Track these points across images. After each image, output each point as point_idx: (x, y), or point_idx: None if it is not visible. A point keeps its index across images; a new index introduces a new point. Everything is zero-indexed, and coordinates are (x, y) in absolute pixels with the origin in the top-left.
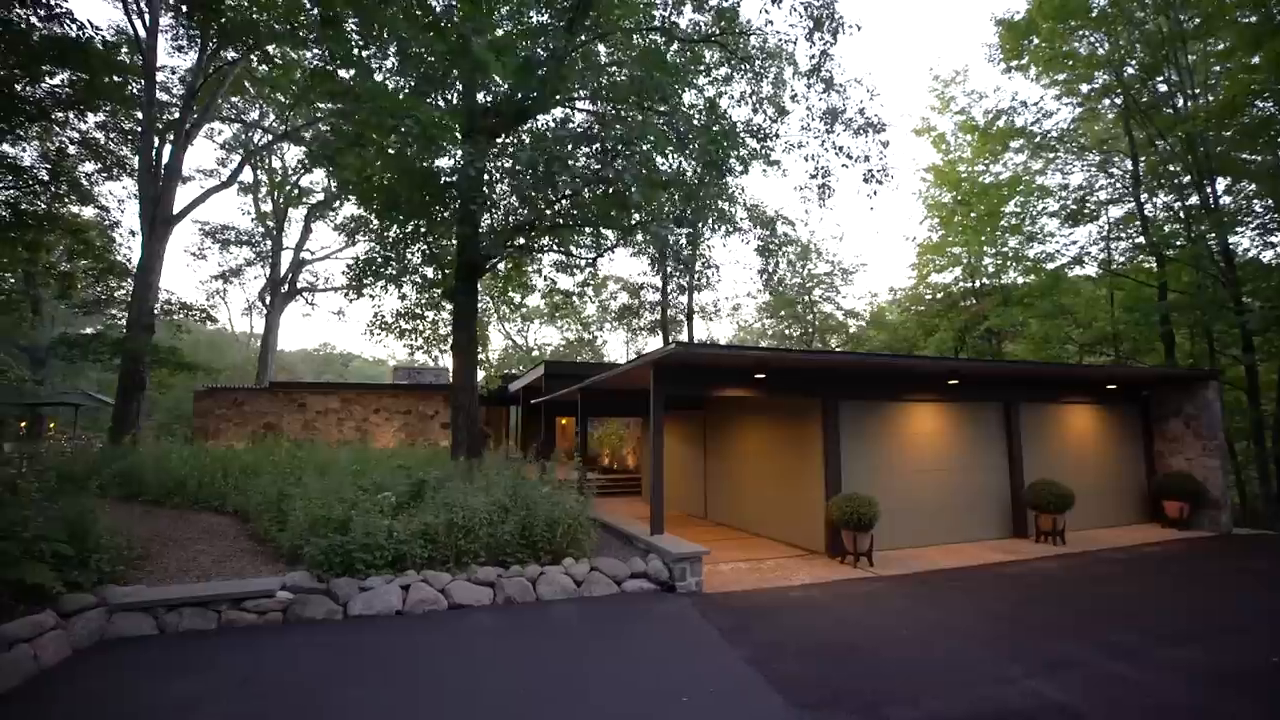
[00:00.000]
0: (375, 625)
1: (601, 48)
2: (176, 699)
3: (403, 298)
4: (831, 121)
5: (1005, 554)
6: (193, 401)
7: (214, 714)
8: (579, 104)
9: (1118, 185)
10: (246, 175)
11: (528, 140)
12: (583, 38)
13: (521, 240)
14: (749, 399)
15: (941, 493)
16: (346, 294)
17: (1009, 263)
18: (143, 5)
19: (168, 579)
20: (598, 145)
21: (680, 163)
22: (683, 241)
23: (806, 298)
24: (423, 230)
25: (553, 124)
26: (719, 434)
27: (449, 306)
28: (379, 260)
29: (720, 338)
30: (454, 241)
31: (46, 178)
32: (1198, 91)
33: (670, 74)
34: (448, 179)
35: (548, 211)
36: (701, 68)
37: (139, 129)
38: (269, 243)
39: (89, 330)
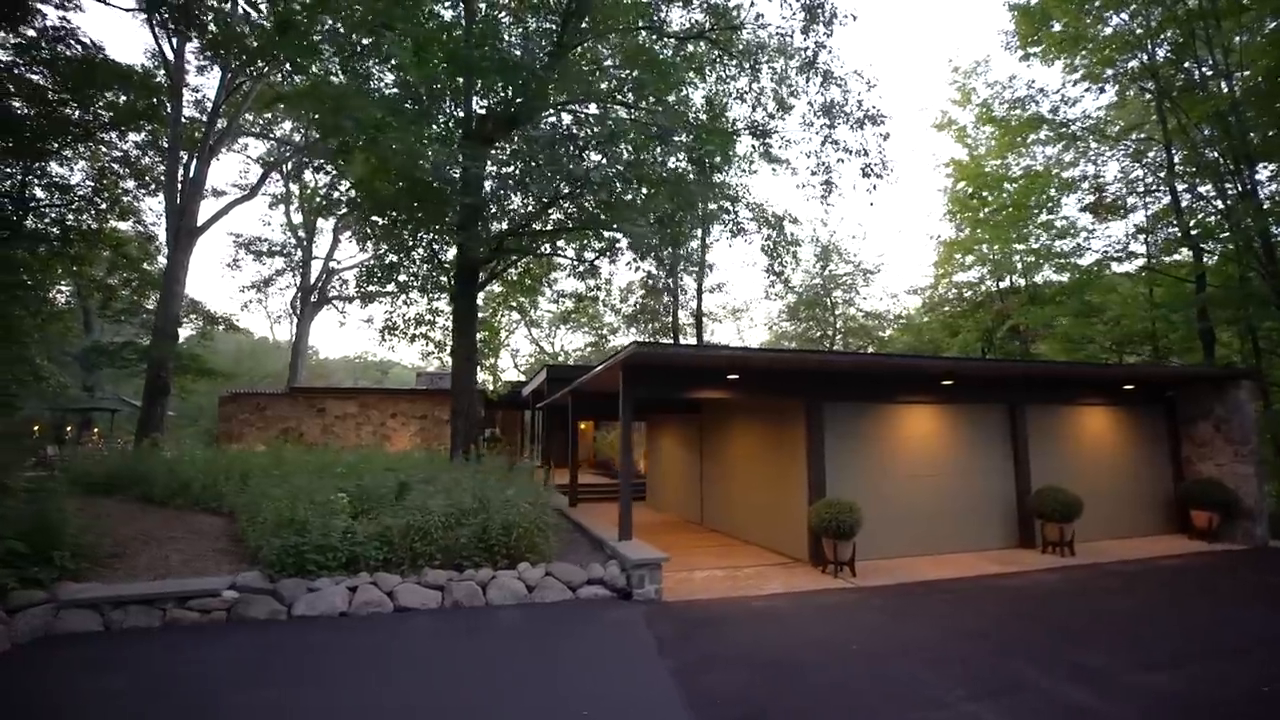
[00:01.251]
0: (314, 626)
1: (594, 47)
2: (82, 696)
3: (409, 303)
4: (829, 115)
5: (1004, 565)
6: (218, 406)
7: (104, 713)
8: (568, 108)
9: (1148, 176)
10: (279, 188)
11: (509, 148)
12: (576, 47)
13: (514, 242)
14: (742, 401)
15: (939, 499)
16: (354, 300)
17: (1037, 259)
18: (170, 28)
19: (132, 576)
20: (573, 146)
21: (668, 160)
22: (654, 241)
23: (828, 300)
24: (424, 234)
25: (545, 129)
26: (714, 438)
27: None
28: (383, 266)
29: (739, 340)
30: (452, 245)
31: (91, 194)
32: (1234, 71)
33: (659, 72)
34: (445, 183)
35: (537, 213)
36: (694, 65)
37: (166, 145)
38: (300, 253)
39: (119, 339)
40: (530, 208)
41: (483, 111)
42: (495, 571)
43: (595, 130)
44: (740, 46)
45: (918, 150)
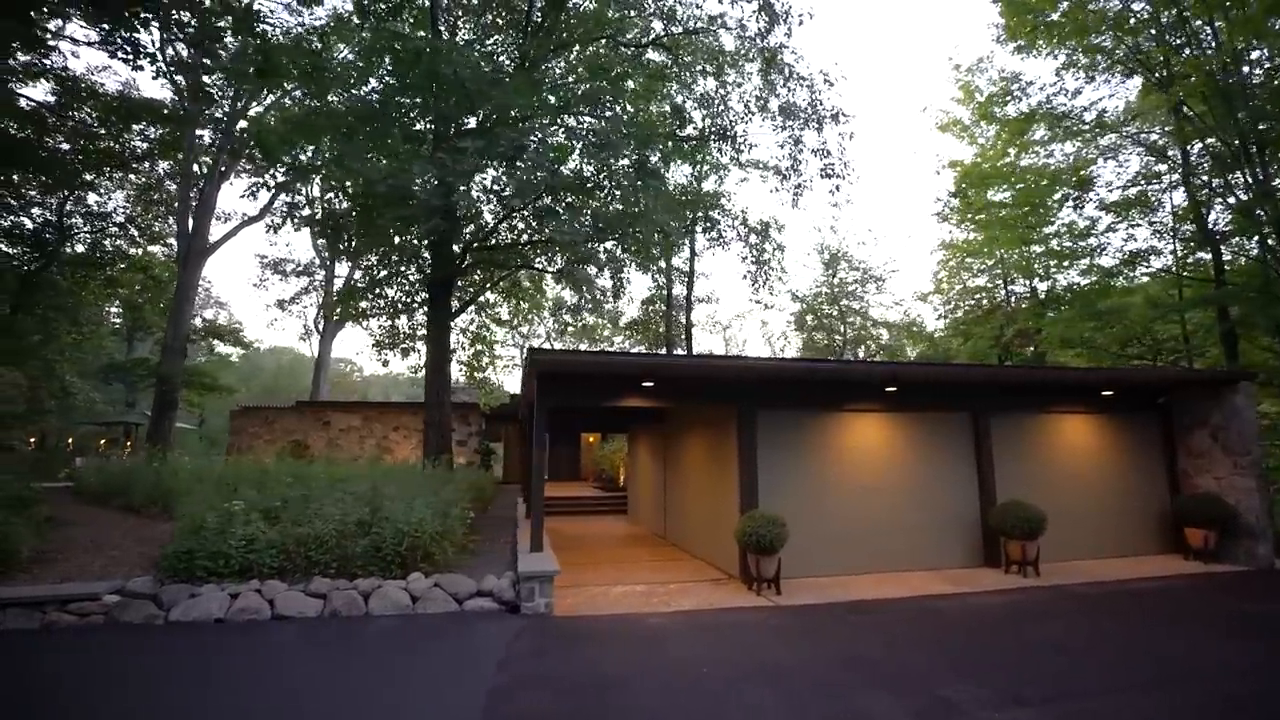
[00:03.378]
0: (183, 632)
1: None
2: None
3: (393, 318)
4: (788, 116)
5: (955, 585)
6: (230, 420)
7: None
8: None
9: (1171, 173)
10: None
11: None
12: (541, 64)
13: (479, 255)
14: (690, 410)
15: (891, 514)
16: (331, 316)
17: (1059, 261)
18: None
19: (38, 580)
20: (497, 159)
21: (604, 166)
22: (592, 246)
23: (837, 309)
24: (394, 251)
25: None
26: (674, 449)
27: (455, 323)
28: (370, 281)
29: (747, 350)
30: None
31: (125, 222)
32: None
33: (612, 81)
34: (415, 197)
35: (495, 226)
36: (652, 74)
37: (178, 170)
38: (323, 272)
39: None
40: (494, 217)
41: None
42: (382, 581)
43: (511, 142)
44: (704, 52)
45: (920, 153)
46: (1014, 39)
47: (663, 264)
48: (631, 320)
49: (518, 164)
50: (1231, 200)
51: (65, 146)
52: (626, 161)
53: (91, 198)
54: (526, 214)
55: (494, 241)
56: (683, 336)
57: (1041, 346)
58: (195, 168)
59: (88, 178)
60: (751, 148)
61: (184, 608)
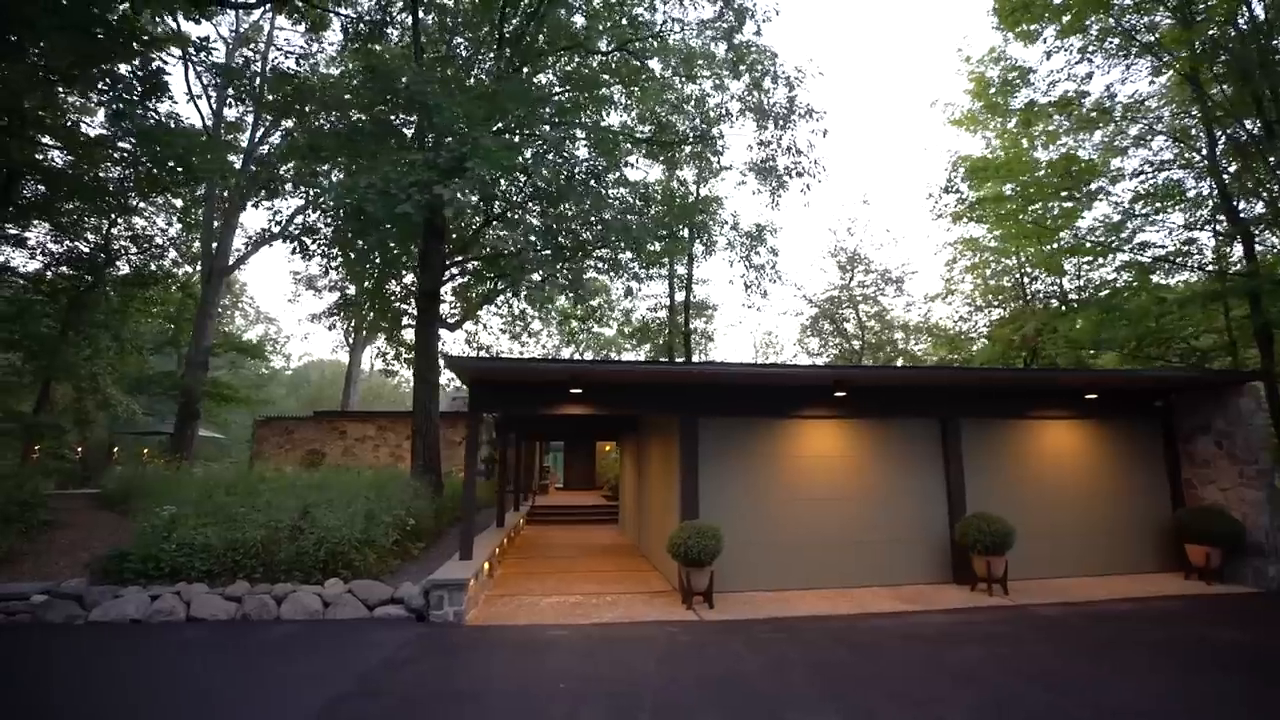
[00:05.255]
0: (94, 632)
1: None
2: None
3: (389, 332)
4: (762, 116)
5: (909, 603)
6: (253, 430)
7: None
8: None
9: (1202, 163)
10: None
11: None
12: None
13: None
14: (658, 419)
15: (847, 527)
16: (362, 329)
17: (1066, 257)
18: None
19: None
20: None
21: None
22: (542, 250)
23: (853, 312)
24: (390, 263)
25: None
26: (644, 459)
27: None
28: (359, 294)
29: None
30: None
31: (167, 243)
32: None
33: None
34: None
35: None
36: (622, 80)
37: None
38: (353, 287)
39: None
40: (473, 226)
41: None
42: (297, 587)
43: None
44: (674, 54)
45: (930, 149)
46: (1008, 27)
47: (663, 271)
48: (637, 327)
49: (455, 179)
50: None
51: (115, 173)
52: (583, 169)
53: (137, 221)
54: (496, 225)
55: (481, 253)
56: (697, 343)
57: (1059, 349)
58: (216, 190)
59: (133, 203)
60: (725, 150)
61: (104, 609)
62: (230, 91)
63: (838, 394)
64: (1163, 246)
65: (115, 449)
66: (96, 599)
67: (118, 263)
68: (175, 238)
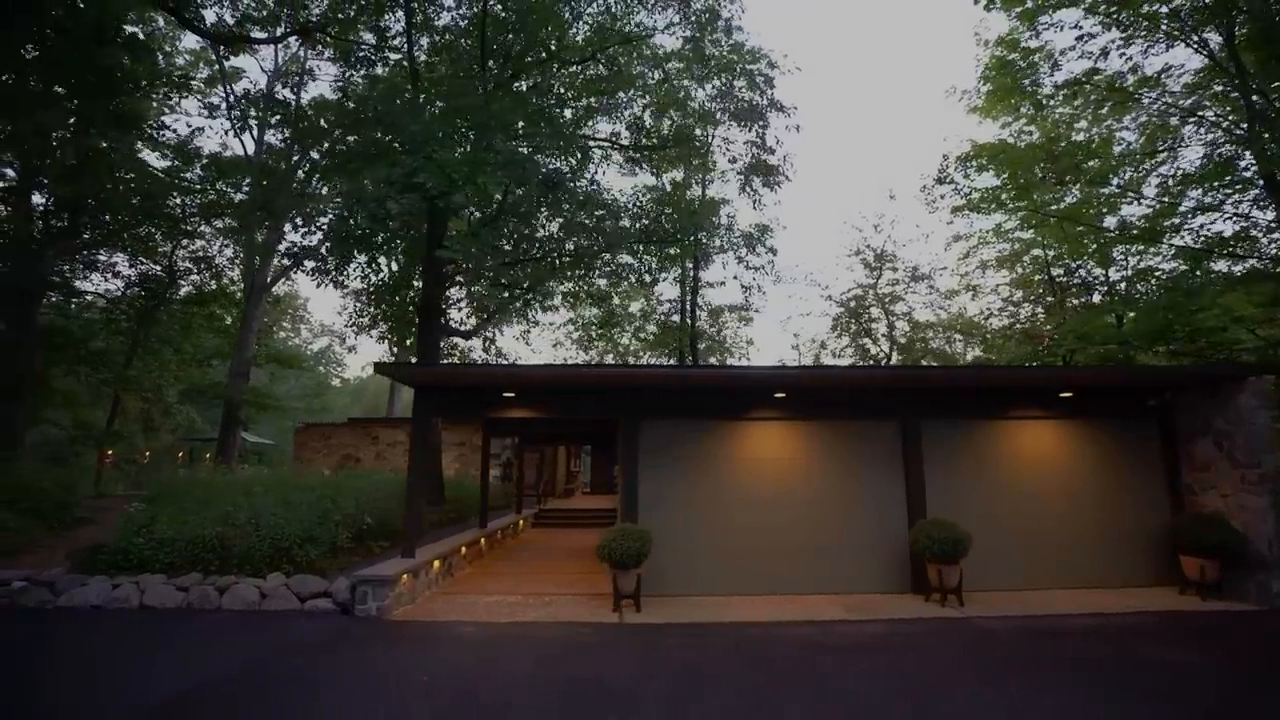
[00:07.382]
0: (57, 615)
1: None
2: None
3: (396, 341)
4: (740, 117)
5: (847, 613)
6: (294, 436)
7: None
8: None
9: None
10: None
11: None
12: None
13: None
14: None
15: (795, 533)
16: (405, 339)
17: (1106, 246)
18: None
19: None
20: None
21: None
22: (487, 259)
23: (882, 311)
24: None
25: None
26: (615, 462)
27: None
28: (369, 306)
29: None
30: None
31: (220, 263)
32: None
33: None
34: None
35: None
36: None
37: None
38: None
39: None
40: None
41: None
42: (239, 579)
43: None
44: (649, 60)
45: (949, 139)
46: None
47: (664, 276)
48: (654, 332)
49: (405, 195)
50: None
51: (178, 200)
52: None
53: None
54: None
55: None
56: (714, 348)
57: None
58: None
59: (195, 228)
60: (707, 149)
61: (70, 595)
62: (271, 120)
63: (777, 395)
64: (1215, 234)
65: (180, 454)
66: (65, 586)
67: (180, 282)
68: (232, 257)
